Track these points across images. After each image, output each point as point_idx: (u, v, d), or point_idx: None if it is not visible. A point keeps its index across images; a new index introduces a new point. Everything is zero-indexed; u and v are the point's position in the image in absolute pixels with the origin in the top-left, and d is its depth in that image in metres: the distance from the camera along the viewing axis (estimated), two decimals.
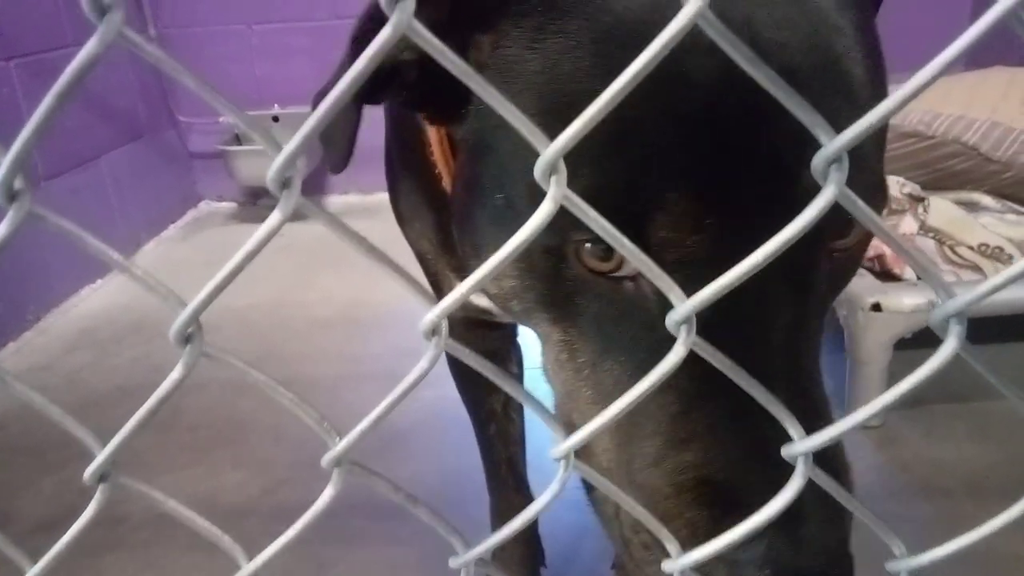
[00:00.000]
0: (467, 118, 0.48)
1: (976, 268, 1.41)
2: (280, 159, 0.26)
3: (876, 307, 1.27)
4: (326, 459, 0.32)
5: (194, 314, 0.28)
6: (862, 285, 1.31)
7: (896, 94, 0.23)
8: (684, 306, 0.28)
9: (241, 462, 1.38)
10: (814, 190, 0.39)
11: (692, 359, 0.30)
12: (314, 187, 2.81)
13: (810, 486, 0.32)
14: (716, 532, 0.33)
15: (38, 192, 1.98)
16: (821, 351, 0.46)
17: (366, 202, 2.69)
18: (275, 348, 1.78)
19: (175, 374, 0.29)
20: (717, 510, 0.40)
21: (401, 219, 0.77)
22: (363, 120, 0.49)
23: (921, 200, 1.52)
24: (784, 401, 0.31)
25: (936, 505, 1.15)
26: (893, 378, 1.30)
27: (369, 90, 0.49)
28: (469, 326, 0.82)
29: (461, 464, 1.26)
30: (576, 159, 0.26)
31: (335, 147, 0.50)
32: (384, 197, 0.78)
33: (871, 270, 1.39)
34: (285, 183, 0.27)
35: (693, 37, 0.40)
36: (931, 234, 1.47)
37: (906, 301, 1.25)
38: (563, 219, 0.41)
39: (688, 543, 0.36)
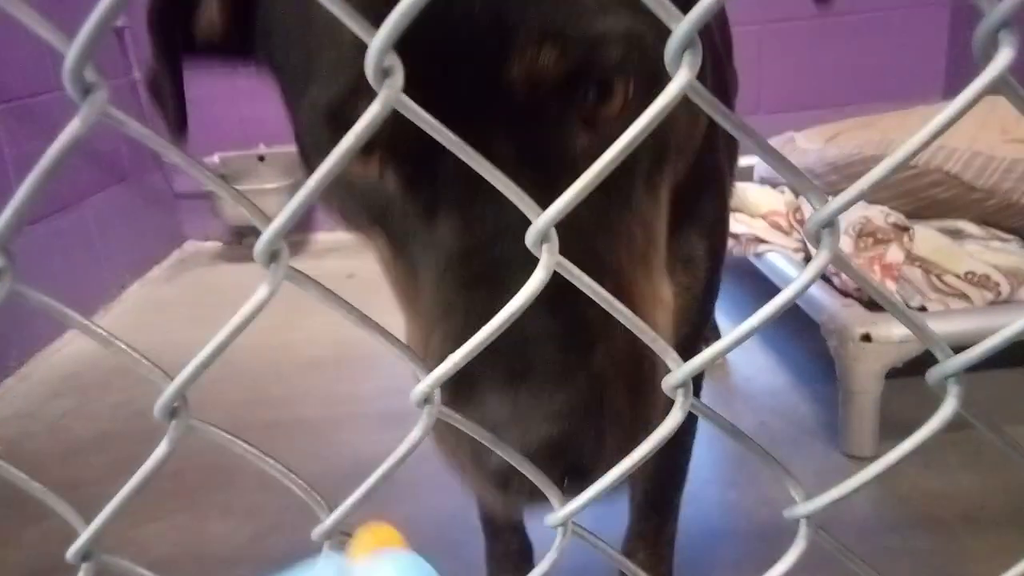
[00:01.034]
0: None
1: (964, 296, 1.42)
2: (268, 234, 0.25)
3: (866, 337, 1.26)
4: (316, 532, 0.31)
5: (179, 390, 0.28)
6: (851, 315, 1.31)
7: (882, 164, 0.23)
8: (681, 371, 0.28)
9: (228, 509, 1.35)
10: (527, 76, 0.39)
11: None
12: (301, 225, 2.81)
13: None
14: None
15: (22, 237, 1.97)
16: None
17: (352, 239, 2.69)
18: (263, 390, 1.75)
19: (161, 451, 0.29)
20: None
21: None
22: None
23: (906, 229, 1.53)
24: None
25: (935, 537, 1.14)
26: (886, 405, 1.30)
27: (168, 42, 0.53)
28: None
29: (454, 506, 1.24)
30: None
31: (166, 112, 0.54)
32: None
33: (859, 300, 1.39)
34: (273, 256, 0.26)
35: None
36: (918, 263, 1.48)
37: (896, 331, 1.25)
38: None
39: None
